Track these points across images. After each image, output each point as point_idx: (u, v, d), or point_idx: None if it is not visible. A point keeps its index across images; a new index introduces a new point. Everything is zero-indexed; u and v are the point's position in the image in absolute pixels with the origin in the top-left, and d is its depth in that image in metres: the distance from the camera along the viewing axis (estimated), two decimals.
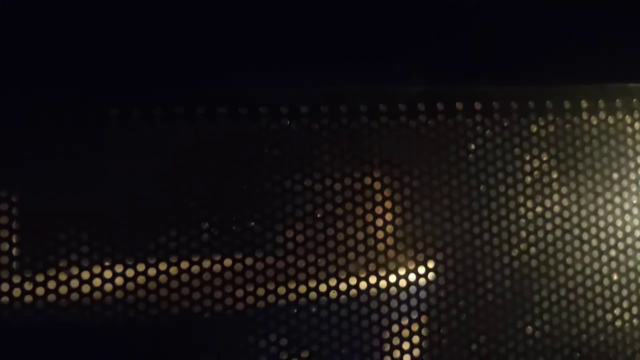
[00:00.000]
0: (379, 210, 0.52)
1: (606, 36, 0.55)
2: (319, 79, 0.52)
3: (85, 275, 0.49)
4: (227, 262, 0.50)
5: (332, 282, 0.51)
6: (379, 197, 0.52)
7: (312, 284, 0.51)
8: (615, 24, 0.54)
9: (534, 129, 0.55)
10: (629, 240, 0.55)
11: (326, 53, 0.52)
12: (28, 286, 0.49)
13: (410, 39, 0.53)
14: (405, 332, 0.52)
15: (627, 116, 0.56)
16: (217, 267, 0.50)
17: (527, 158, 0.55)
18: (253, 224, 0.51)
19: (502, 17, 0.54)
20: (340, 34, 0.52)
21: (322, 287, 0.51)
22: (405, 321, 0.52)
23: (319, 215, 0.51)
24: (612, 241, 0.55)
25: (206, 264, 0.51)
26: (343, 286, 0.51)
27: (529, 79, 0.54)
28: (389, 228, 0.52)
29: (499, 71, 0.54)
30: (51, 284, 0.49)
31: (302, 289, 0.51)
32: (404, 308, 0.52)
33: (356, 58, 0.52)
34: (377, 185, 0.52)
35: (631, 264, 0.55)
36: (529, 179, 0.55)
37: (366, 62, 0.52)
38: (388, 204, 0.52)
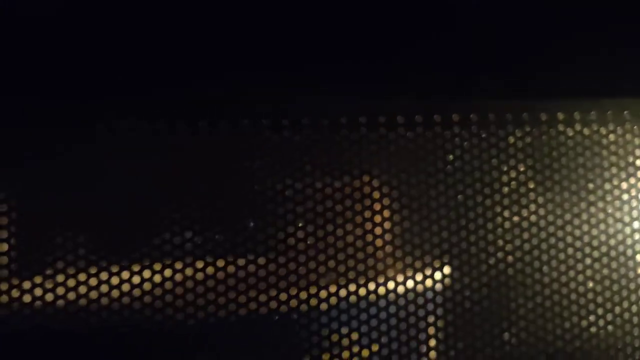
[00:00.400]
0: (358, 219, 0.54)
1: (582, 55, 0.56)
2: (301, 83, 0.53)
3: (83, 277, 0.51)
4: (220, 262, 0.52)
5: (312, 290, 0.53)
6: (358, 207, 0.54)
7: (293, 291, 0.52)
8: (590, 45, 0.56)
9: (512, 140, 0.57)
10: (604, 249, 0.57)
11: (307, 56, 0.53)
12: (26, 286, 0.50)
13: (399, 43, 0.54)
14: (384, 338, 0.53)
15: (601, 128, 0.57)
16: (210, 270, 0.52)
17: (505, 169, 0.56)
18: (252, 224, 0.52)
19: (487, 30, 0.55)
20: (320, 35, 0.53)
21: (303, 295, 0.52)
22: (384, 327, 0.53)
23: (300, 224, 0.53)
24: (587, 250, 0.57)
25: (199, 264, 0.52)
26: (323, 294, 0.53)
27: (509, 94, 0.56)
28: (368, 237, 0.54)
29: (472, 85, 0.55)
30: (48, 285, 0.51)
31: (284, 296, 0.52)
32: (383, 315, 0.53)
33: (340, 61, 0.54)
34: (356, 195, 0.54)
35: (605, 272, 0.56)
36: (506, 189, 0.56)
37: (350, 65, 0.54)
38: (367, 214, 0.54)
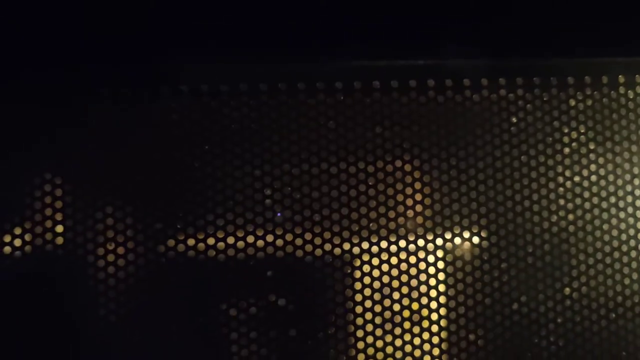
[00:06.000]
0: (427, 178, 0.56)
1: None
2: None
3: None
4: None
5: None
6: (426, 166, 0.56)
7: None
8: None
9: (573, 102, 0.59)
10: None
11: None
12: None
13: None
14: (453, 291, 0.56)
15: None
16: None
17: (566, 130, 0.58)
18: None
19: None
20: None
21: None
22: (455, 283, 0.56)
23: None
24: None
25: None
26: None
27: (570, 53, 0.58)
28: (437, 196, 0.56)
29: (536, 45, 0.57)
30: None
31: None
32: (450, 269, 0.56)
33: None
34: (424, 156, 0.56)
35: None
36: (567, 149, 0.58)
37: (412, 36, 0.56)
38: (434, 174, 0.56)
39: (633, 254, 0.58)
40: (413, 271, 0.56)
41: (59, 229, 0.54)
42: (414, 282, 0.56)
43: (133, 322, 0.54)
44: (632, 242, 0.58)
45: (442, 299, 0.56)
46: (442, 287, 0.56)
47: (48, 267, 0.54)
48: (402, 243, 0.56)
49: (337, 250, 0.55)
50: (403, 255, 0.56)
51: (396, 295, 0.55)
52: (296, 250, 0.55)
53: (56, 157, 0.55)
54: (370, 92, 0.56)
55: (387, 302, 0.55)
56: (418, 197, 0.56)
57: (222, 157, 0.55)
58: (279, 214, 0.54)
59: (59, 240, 0.54)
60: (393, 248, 0.56)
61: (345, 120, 0.56)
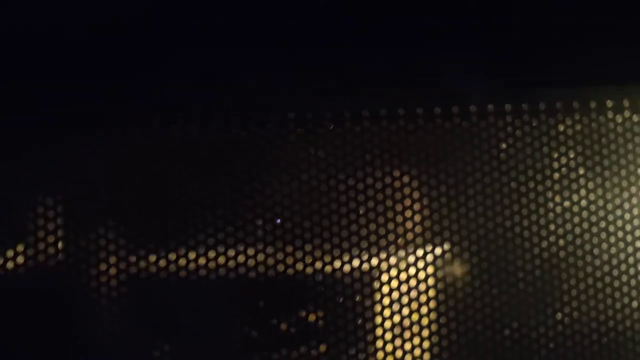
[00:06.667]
0: (417, 206, 0.57)
1: (629, 38, 0.58)
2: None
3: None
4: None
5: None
6: (416, 194, 0.57)
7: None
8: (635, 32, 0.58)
9: (562, 128, 0.59)
10: None
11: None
12: None
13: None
14: (444, 318, 0.56)
15: None
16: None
17: (555, 156, 0.59)
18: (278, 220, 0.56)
19: (536, 18, 0.58)
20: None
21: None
22: (447, 310, 0.56)
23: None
24: (637, 233, 0.59)
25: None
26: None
27: (558, 81, 0.58)
28: (427, 223, 0.57)
29: (525, 73, 0.58)
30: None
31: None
32: (441, 297, 0.56)
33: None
34: (414, 183, 0.57)
35: None
36: (557, 175, 0.59)
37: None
38: (425, 200, 0.57)
39: (624, 278, 0.58)
40: (404, 300, 0.56)
41: (58, 251, 0.54)
42: (405, 311, 0.56)
43: (130, 345, 0.55)
44: (623, 267, 0.58)
45: (434, 327, 0.56)
46: (432, 315, 0.56)
47: (44, 289, 0.54)
48: (393, 272, 0.56)
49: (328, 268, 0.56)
50: (395, 284, 0.56)
51: (388, 324, 0.56)
52: (289, 268, 0.55)
53: (51, 179, 0.56)
54: (360, 121, 0.57)
55: (370, 337, 0.55)
56: (408, 225, 0.57)
57: (216, 181, 0.56)
58: (278, 220, 0.55)
59: (56, 263, 0.54)
60: (384, 277, 0.56)
61: (334, 149, 0.56)
